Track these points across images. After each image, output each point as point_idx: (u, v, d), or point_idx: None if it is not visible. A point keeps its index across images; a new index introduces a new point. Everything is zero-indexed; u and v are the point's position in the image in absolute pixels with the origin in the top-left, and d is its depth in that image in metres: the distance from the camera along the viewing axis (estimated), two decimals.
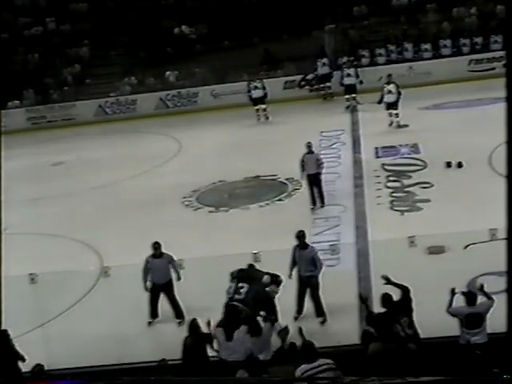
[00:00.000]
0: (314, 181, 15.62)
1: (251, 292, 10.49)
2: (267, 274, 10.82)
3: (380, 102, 20.73)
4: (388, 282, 9.67)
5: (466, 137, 18.45)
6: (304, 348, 8.51)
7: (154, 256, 11.71)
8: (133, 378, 7.57)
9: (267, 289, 10.65)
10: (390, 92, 20.57)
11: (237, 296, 10.50)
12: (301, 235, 11.31)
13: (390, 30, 27.12)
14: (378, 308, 9.53)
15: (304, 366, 8.16)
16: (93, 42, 29.38)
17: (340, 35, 27.47)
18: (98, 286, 13.03)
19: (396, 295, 9.48)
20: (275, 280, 10.78)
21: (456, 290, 9.21)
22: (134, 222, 16.29)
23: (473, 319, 9.05)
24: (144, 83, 27.83)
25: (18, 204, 16.42)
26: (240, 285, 10.60)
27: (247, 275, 10.83)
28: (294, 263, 11.24)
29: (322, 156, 16.23)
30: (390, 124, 20.65)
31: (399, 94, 20.52)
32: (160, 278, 11.65)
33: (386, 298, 9.36)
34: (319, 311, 11.06)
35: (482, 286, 9.47)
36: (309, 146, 15.78)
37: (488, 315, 9.08)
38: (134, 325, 11.58)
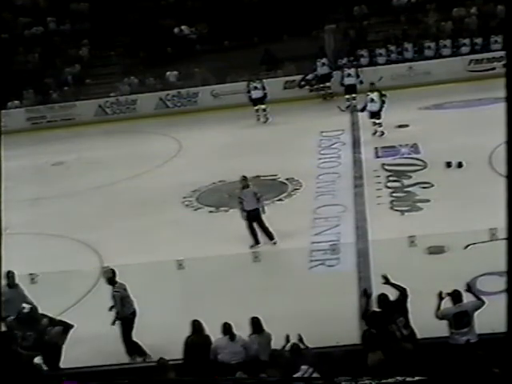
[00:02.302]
0: (254, 217, 13.96)
1: (32, 337, 10.13)
2: (50, 318, 10.39)
3: (363, 110, 20.28)
4: (386, 281, 9.68)
5: (466, 137, 18.45)
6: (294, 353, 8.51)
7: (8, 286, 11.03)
8: (133, 378, 7.57)
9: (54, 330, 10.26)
10: (372, 100, 19.88)
11: (25, 343, 10.15)
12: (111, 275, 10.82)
13: (389, 29, 27.13)
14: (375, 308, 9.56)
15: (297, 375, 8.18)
16: (93, 42, 29.39)
17: (340, 35, 27.47)
18: (97, 286, 13.03)
19: (393, 295, 9.49)
20: (65, 328, 10.38)
21: (443, 295, 9.22)
22: (134, 221, 16.29)
23: (460, 318, 9.04)
24: (144, 83, 27.82)
25: (18, 204, 16.43)
26: (27, 332, 10.17)
27: (28, 318, 10.35)
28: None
29: (257, 190, 14.27)
30: (374, 133, 20.09)
31: (383, 102, 19.81)
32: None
33: (381, 299, 9.38)
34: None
35: (469, 287, 9.47)
36: (244, 179, 14.16)
37: (476, 314, 9.10)
38: (134, 325, 11.56)
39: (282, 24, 27.01)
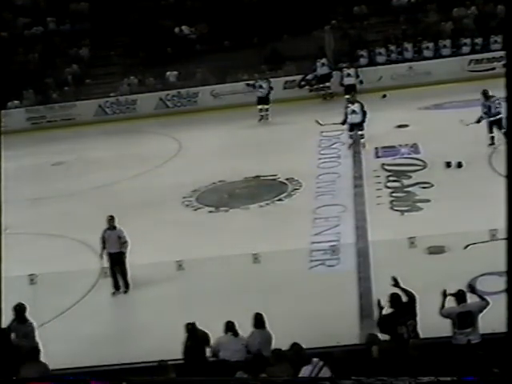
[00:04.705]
0: (117, 261, 12.95)
1: None
2: None
3: (343, 123, 19.63)
4: (396, 284, 9.62)
5: (466, 137, 18.45)
6: (296, 352, 8.49)
7: None
8: (133, 378, 7.57)
9: None
10: (353, 112, 19.25)
11: None
12: None
13: (389, 29, 27.15)
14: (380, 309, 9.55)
15: (307, 367, 8.13)
16: (93, 42, 29.41)
17: (340, 35, 27.48)
18: (97, 286, 13.04)
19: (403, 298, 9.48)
20: None
21: (447, 292, 9.21)
22: (134, 222, 16.26)
23: (464, 318, 9.02)
24: (144, 83, 27.83)
25: (17, 204, 16.42)
26: None
27: None
28: None
29: (124, 234, 13.07)
30: (350, 146, 19.47)
31: (364, 114, 19.21)
32: None
33: (394, 298, 9.29)
34: None
35: (471, 287, 9.46)
36: (110, 219, 13.20)
37: (480, 315, 9.09)
38: (134, 325, 11.58)
39: (282, 24, 27.03)
